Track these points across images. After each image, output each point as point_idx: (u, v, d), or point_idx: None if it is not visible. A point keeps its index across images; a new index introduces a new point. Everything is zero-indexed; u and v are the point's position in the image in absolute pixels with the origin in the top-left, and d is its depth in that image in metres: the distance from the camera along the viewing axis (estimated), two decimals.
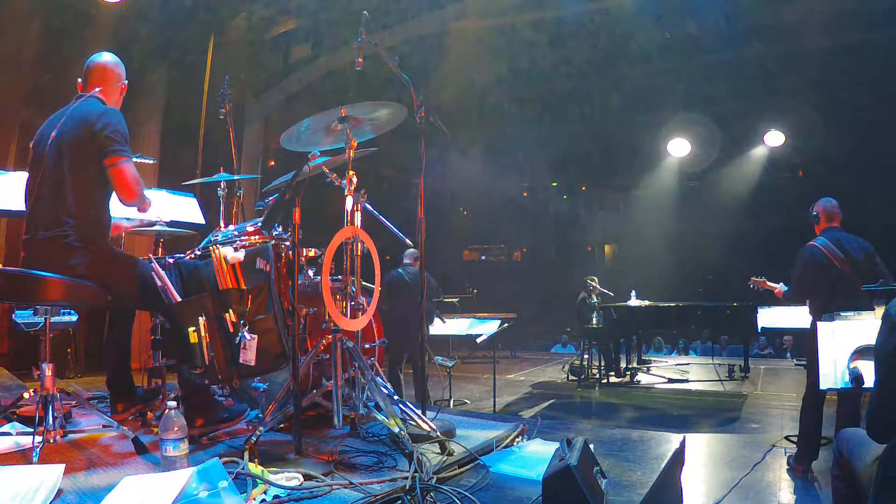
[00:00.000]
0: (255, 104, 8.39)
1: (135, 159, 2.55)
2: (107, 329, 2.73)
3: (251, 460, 2.00)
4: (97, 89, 2.56)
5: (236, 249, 2.43)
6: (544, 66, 9.21)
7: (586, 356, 8.27)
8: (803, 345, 5.59)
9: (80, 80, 2.62)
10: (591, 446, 1.99)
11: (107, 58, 2.66)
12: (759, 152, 11.79)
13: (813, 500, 3.47)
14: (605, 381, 8.00)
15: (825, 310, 3.54)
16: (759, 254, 10.86)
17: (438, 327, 6.33)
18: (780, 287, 4.25)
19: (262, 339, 2.27)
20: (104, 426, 2.33)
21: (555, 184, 16.26)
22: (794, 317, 5.10)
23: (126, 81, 2.72)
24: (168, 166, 6.10)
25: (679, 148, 11.35)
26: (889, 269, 3.73)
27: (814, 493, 3.56)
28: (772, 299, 4.51)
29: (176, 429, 1.87)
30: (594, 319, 8.16)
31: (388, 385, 2.59)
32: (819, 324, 2.95)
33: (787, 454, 4.31)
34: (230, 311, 2.27)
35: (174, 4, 6.18)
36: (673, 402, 6.83)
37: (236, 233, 2.63)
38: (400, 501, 1.80)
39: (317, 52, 8.37)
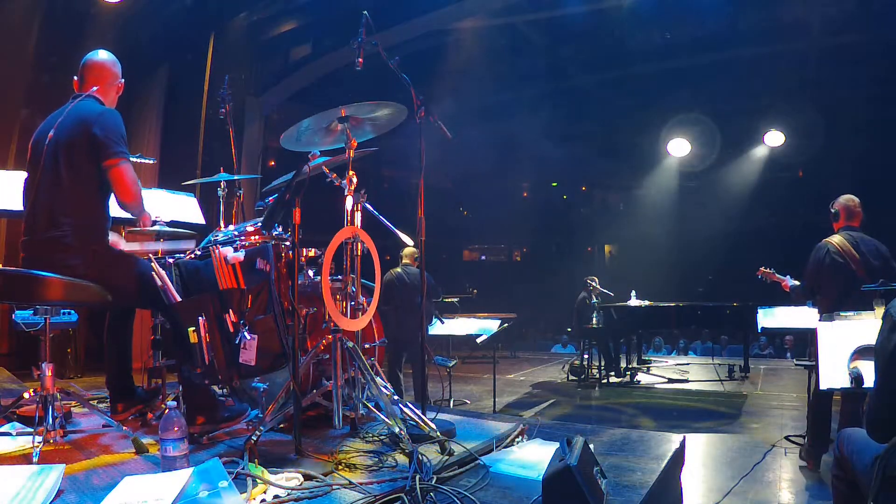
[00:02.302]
0: (255, 104, 8.39)
1: (135, 159, 2.55)
2: (107, 329, 2.73)
3: (251, 460, 2.00)
4: (94, 88, 2.55)
5: (236, 249, 2.43)
6: (544, 66, 9.22)
7: (586, 356, 8.27)
8: (804, 345, 5.59)
9: (76, 78, 2.61)
10: (591, 446, 1.99)
11: (103, 56, 2.65)
12: (759, 152, 11.80)
13: (813, 500, 3.47)
14: (605, 381, 8.00)
15: (835, 304, 3.49)
16: (759, 254, 10.85)
17: (438, 328, 6.32)
18: (787, 280, 4.20)
19: (262, 339, 2.27)
20: (104, 426, 2.33)
21: (555, 184, 16.28)
22: (795, 317, 5.09)
23: (122, 80, 2.71)
24: (168, 166, 6.09)
25: (679, 148, 11.35)
26: None
27: (814, 493, 3.56)
28: (772, 299, 4.52)
29: (176, 429, 1.87)
30: (594, 319, 8.16)
31: (388, 385, 2.59)
32: (819, 324, 2.95)
33: (788, 454, 4.32)
34: (230, 311, 2.26)
35: (174, 4, 6.19)
36: (673, 402, 6.83)
37: (236, 233, 2.63)
38: (400, 501, 1.80)
39: (317, 52, 8.37)
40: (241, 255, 2.41)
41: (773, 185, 12.44)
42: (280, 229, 2.66)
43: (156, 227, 3.11)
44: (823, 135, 10.17)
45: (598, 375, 8.03)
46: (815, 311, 4.01)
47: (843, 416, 3.67)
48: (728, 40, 8.26)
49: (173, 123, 6.97)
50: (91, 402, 2.85)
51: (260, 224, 2.58)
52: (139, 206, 2.53)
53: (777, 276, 4.31)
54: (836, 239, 3.73)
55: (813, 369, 3.90)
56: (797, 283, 4.13)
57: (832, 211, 3.89)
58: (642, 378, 8.36)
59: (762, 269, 4.47)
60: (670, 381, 8.22)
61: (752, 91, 9.88)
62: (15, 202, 3.21)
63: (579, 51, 8.90)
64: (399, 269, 5.81)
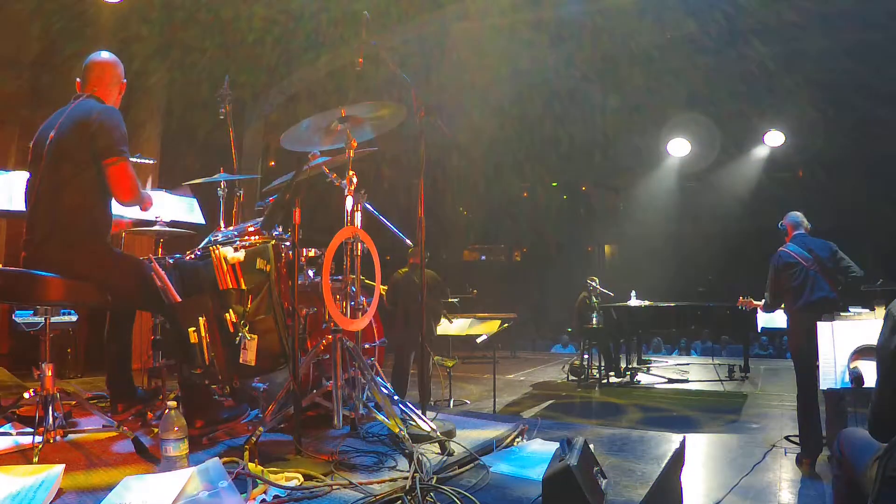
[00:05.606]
0: (255, 104, 8.38)
1: (134, 159, 2.55)
2: (107, 329, 2.73)
3: (251, 460, 2.00)
4: (96, 89, 2.56)
5: (236, 249, 2.43)
6: (544, 66, 9.20)
7: (586, 356, 8.27)
8: None
9: (78, 79, 2.62)
10: (591, 446, 1.99)
11: (105, 56, 2.65)
12: (759, 152, 11.78)
13: (813, 500, 3.47)
14: (605, 381, 8.00)
15: (796, 302, 4.02)
16: (759, 254, 10.84)
17: (444, 327, 6.31)
18: (761, 303, 4.55)
19: (262, 339, 2.27)
20: (104, 426, 2.32)
21: (555, 184, 16.26)
22: None
23: (125, 80, 2.71)
24: (168, 166, 6.10)
25: (679, 148, 11.34)
26: (885, 271, 3.94)
27: (814, 493, 3.56)
28: None
29: (176, 429, 1.87)
30: (594, 319, 8.15)
31: (389, 385, 2.58)
32: (819, 324, 2.97)
33: (788, 454, 4.32)
34: (230, 311, 2.26)
35: (174, 4, 6.18)
36: (673, 402, 6.83)
37: (236, 233, 2.63)
38: (400, 501, 1.80)
39: (317, 52, 8.36)
40: (241, 255, 2.41)
41: (773, 185, 12.42)
42: (280, 229, 2.66)
43: (156, 227, 3.12)
44: (823, 135, 10.16)
45: (598, 375, 8.03)
46: (782, 311, 4.38)
47: (831, 408, 3.81)
48: (728, 40, 8.25)
49: (174, 123, 6.97)
50: (91, 402, 2.85)
51: (260, 224, 2.58)
52: (140, 202, 2.53)
53: (753, 301, 4.83)
54: (789, 247, 4.23)
55: (800, 370, 4.09)
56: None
57: (781, 228, 4.46)
58: (642, 378, 8.36)
59: (741, 298, 4.99)
60: (670, 381, 8.22)
61: (752, 91, 9.86)
62: (15, 202, 3.22)
63: (579, 51, 8.88)
64: (407, 270, 5.80)
